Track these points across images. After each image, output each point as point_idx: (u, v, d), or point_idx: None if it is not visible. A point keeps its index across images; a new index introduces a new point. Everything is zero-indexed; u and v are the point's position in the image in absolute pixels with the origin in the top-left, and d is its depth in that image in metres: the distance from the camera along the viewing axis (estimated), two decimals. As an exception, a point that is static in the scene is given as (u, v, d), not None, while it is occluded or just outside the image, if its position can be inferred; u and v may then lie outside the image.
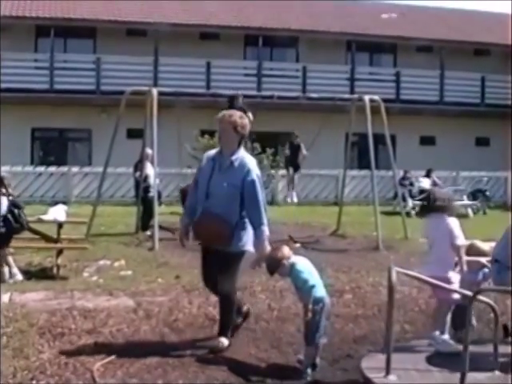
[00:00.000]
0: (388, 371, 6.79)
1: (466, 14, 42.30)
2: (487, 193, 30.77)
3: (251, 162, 8.39)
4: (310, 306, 7.31)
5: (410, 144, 35.98)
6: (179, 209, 21.04)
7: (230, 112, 8.85)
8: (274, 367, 7.72)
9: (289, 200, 28.77)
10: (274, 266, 7.95)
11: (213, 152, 8.67)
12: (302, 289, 7.67)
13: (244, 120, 8.50)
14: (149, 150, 19.13)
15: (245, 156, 8.46)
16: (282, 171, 29.91)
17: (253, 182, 8.19)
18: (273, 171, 28.07)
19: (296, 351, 8.26)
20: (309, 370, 7.31)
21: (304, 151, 28.24)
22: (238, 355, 8.04)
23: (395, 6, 41.95)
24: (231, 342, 8.17)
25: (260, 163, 26.52)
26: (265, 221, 8.36)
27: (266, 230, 8.37)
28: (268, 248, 8.33)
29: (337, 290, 11.71)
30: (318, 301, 7.38)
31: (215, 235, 8.18)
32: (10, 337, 8.29)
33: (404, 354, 7.56)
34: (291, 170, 29.72)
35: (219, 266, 8.28)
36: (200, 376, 7.26)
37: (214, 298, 10.67)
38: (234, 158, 8.27)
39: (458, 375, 6.41)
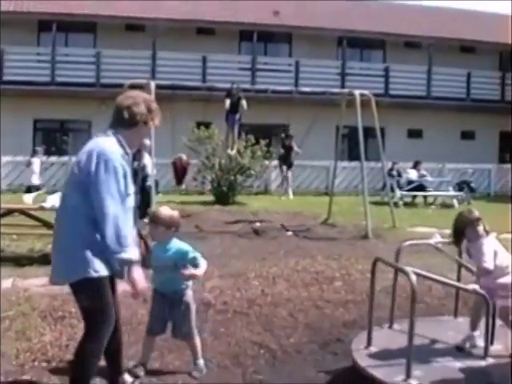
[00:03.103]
0: (369, 343, 6.80)
1: (454, 12, 42.28)
2: (472, 184, 30.83)
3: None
4: None
5: (398, 137, 36.07)
6: (176, 198, 21.19)
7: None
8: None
9: (283, 198, 28.71)
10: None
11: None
12: None
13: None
14: (147, 141, 19.07)
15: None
16: (275, 162, 29.92)
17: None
18: (266, 162, 28.07)
19: (288, 335, 8.30)
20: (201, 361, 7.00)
21: (296, 149, 28.25)
22: (233, 338, 8.07)
23: (385, 3, 41.91)
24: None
25: (254, 154, 26.59)
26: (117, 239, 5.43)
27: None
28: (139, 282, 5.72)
29: (327, 276, 11.75)
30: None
31: None
32: (13, 320, 8.30)
33: (389, 330, 7.57)
34: (284, 168, 29.75)
35: None
36: (195, 358, 7.28)
37: (208, 284, 10.74)
38: None
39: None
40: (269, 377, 6.90)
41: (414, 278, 5.95)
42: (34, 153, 28.54)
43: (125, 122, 5.89)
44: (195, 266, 6.70)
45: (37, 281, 10.54)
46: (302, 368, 7.20)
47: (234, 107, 20.84)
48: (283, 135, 29.97)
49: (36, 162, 28.00)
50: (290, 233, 18.25)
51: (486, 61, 38.63)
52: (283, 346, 7.88)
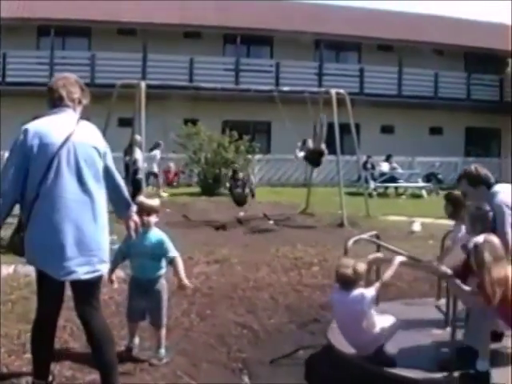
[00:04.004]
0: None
1: (424, 16, 42.27)
2: (439, 176, 31.01)
3: None
4: None
5: (372, 132, 36.09)
6: (165, 189, 21.19)
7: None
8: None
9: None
10: None
11: None
12: None
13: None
14: (138, 137, 19.13)
15: None
16: (258, 156, 29.90)
17: None
18: (249, 156, 28.08)
19: (269, 316, 8.34)
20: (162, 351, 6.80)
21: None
22: (218, 319, 8.10)
23: (360, 8, 41.87)
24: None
25: (238, 149, 26.63)
26: None
27: None
28: None
29: (305, 262, 11.79)
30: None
31: None
32: (15, 303, 8.29)
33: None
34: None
35: None
36: (183, 338, 7.31)
37: (195, 270, 10.77)
38: None
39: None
40: (251, 354, 6.95)
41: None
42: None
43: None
44: (167, 258, 6.63)
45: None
46: (283, 346, 7.25)
47: None
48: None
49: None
50: (271, 221, 18.31)
51: (452, 62, 38.77)
52: (265, 326, 7.94)
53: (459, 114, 36.93)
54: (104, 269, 5.43)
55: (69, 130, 5.17)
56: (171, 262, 6.62)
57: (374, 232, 8.45)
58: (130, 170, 19.78)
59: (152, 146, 25.91)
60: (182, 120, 29.09)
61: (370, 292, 5.96)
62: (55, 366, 6.06)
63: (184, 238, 14.75)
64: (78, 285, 5.35)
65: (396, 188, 29.79)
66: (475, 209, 6.47)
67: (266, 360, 6.80)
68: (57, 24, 32.79)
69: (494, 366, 5.73)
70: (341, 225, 17.46)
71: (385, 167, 30.18)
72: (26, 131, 5.11)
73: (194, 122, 28.15)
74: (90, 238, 5.19)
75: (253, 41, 37.15)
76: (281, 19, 36.18)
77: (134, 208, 5.73)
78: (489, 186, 6.66)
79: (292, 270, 11.12)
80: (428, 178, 30.78)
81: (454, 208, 7.70)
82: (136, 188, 18.64)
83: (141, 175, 18.73)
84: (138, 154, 19.32)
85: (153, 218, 6.67)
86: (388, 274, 6.23)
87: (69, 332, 7.16)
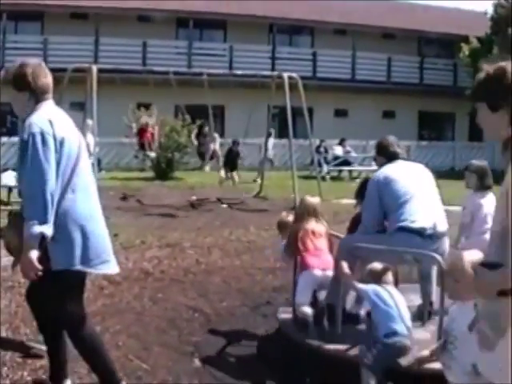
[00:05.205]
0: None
1: (377, 1, 42.34)
2: (393, 159, 31.21)
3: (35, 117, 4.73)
4: None
5: (325, 116, 36.27)
6: (118, 174, 21.13)
7: None
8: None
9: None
10: None
11: None
12: None
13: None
14: (89, 121, 19.00)
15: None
16: (222, 174, 29.78)
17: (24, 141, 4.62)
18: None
19: (221, 299, 8.36)
20: None
21: (242, 154, 27.76)
22: (169, 303, 8.10)
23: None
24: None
25: (190, 133, 26.58)
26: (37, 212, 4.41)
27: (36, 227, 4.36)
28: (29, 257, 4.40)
29: (258, 245, 11.85)
30: None
31: None
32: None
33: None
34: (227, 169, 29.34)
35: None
36: (134, 322, 7.29)
37: (148, 255, 10.76)
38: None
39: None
40: (203, 338, 6.95)
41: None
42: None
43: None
44: None
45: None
46: (235, 329, 7.27)
47: None
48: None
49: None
50: (224, 205, 18.33)
51: (406, 47, 39.00)
52: (216, 310, 7.95)
53: (412, 98, 37.22)
54: None
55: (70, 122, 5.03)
56: None
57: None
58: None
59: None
60: (134, 104, 28.95)
61: None
62: (6, 352, 6.04)
63: (137, 223, 14.78)
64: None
65: (350, 171, 29.97)
66: None
67: (217, 343, 6.80)
68: (9, 8, 32.34)
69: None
70: (294, 208, 17.44)
71: (338, 151, 30.34)
72: (50, 123, 4.65)
73: (147, 106, 28.02)
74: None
75: (206, 24, 37.02)
76: (234, 3, 36.08)
77: None
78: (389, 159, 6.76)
79: (245, 254, 11.18)
80: (381, 161, 31.00)
81: (480, 178, 7.61)
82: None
83: (92, 160, 18.58)
84: (90, 139, 19.16)
85: None
86: None
87: (20, 318, 7.12)
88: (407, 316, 5.50)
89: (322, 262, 6.45)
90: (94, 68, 17.80)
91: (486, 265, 3.07)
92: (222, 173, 24.96)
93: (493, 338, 3.13)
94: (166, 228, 13.83)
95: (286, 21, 36.67)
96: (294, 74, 19.73)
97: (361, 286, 5.74)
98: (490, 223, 6.67)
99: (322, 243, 6.62)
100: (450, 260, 3.42)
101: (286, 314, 6.87)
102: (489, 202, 7.20)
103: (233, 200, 19.26)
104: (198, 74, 24.26)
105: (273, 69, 32.99)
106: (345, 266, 5.88)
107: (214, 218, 15.96)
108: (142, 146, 22.76)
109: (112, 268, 5.04)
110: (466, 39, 35.34)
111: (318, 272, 6.43)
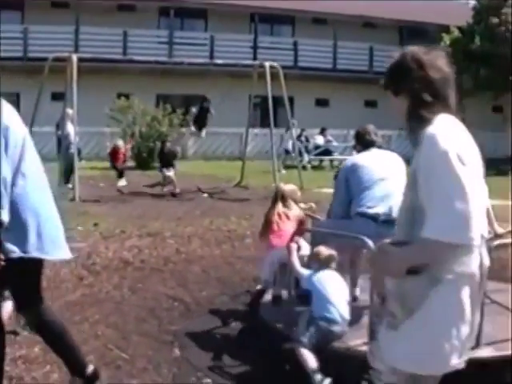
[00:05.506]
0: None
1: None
2: (374, 149, 31.28)
3: None
4: None
5: (306, 105, 36.26)
6: (98, 164, 21.07)
7: None
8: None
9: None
10: None
11: None
12: None
13: None
14: (69, 110, 18.90)
15: None
16: (192, 129, 29.73)
17: None
18: (183, 129, 27.97)
19: (201, 288, 8.35)
20: None
21: (212, 111, 27.76)
22: (149, 293, 8.08)
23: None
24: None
25: (171, 122, 26.52)
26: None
27: None
28: None
29: (239, 234, 11.85)
30: None
31: None
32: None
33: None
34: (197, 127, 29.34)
35: None
36: (114, 312, 7.27)
37: (128, 244, 10.73)
38: None
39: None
40: (183, 327, 6.95)
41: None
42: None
43: None
44: None
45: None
46: (214, 318, 7.26)
47: None
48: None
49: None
50: (205, 195, 18.33)
51: (387, 36, 39.01)
52: (196, 299, 7.94)
53: (393, 88, 37.29)
54: None
55: None
56: None
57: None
58: (63, 145, 19.55)
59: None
60: (115, 94, 28.85)
61: None
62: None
63: (117, 212, 14.74)
64: None
65: (331, 161, 29.99)
66: None
67: (197, 332, 6.80)
68: (-12, -2, 32.19)
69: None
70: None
71: (319, 140, 30.37)
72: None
73: (128, 96, 27.93)
74: None
75: (187, 14, 36.91)
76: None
77: None
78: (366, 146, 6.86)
79: (225, 243, 11.17)
80: (363, 150, 31.04)
81: None
82: (68, 162, 18.44)
83: (73, 149, 18.50)
84: (70, 128, 19.08)
85: None
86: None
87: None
88: (344, 303, 5.62)
89: (283, 242, 6.69)
90: (74, 57, 17.76)
91: (394, 244, 3.14)
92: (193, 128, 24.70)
93: (400, 317, 3.19)
94: (147, 217, 13.80)
95: (267, 10, 36.59)
96: (275, 64, 19.73)
97: (300, 269, 5.96)
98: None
99: (288, 225, 7.01)
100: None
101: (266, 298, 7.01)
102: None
103: (214, 189, 19.25)
104: (178, 64, 24.26)
105: (254, 58, 32.95)
106: (293, 249, 6.17)
107: (195, 207, 15.93)
108: (114, 167, 22.56)
109: (66, 253, 4.99)
110: (446, 29, 35.43)
111: (279, 251, 6.76)
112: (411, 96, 3.40)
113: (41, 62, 20.05)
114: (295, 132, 25.22)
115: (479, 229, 2.99)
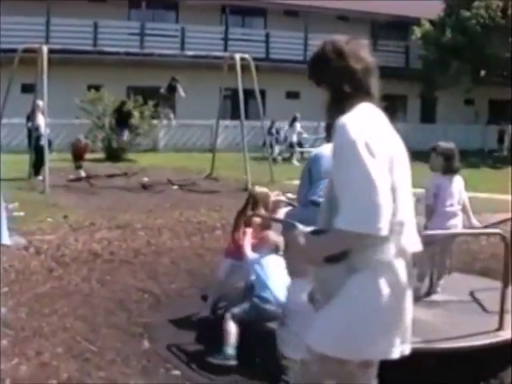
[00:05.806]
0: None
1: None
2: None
3: None
4: None
5: (277, 98, 36.29)
6: (69, 156, 20.96)
7: None
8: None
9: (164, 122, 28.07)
10: None
11: None
12: None
13: None
14: (40, 102, 18.81)
15: None
16: (164, 121, 29.67)
17: None
18: (154, 121, 27.93)
19: (170, 281, 8.37)
20: None
21: (182, 93, 27.50)
22: (118, 285, 8.09)
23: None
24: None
25: (142, 114, 26.45)
26: None
27: None
28: None
29: (209, 226, 11.89)
30: None
31: None
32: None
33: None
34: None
35: None
36: (82, 305, 7.27)
37: (97, 236, 10.72)
38: None
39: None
40: (152, 319, 6.96)
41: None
42: None
43: None
44: None
45: None
46: (184, 310, 7.28)
47: None
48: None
49: None
50: (175, 187, 18.32)
51: (358, 28, 39.03)
52: (166, 291, 7.97)
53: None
54: None
55: None
56: None
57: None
58: (33, 136, 19.47)
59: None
60: (85, 85, 28.70)
61: None
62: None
63: (87, 204, 14.70)
64: None
65: (301, 153, 30.03)
66: None
67: (166, 324, 6.82)
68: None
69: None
70: (245, 189, 17.50)
71: (289, 132, 30.43)
72: None
73: (98, 88, 27.80)
74: None
75: (158, 5, 36.79)
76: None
77: None
78: None
79: (195, 235, 11.20)
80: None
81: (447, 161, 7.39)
82: (39, 154, 18.37)
83: (43, 141, 18.42)
84: (41, 120, 18.99)
85: None
86: None
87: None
88: (282, 287, 5.68)
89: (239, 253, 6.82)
90: (45, 48, 17.68)
91: (314, 232, 3.17)
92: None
93: (322, 302, 3.23)
94: (117, 209, 13.77)
95: (238, 1, 36.54)
96: (246, 56, 19.74)
97: (249, 254, 6.26)
98: (455, 205, 7.19)
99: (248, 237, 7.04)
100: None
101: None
102: (456, 185, 7.21)
103: (184, 181, 19.24)
104: (149, 55, 24.19)
105: (225, 50, 32.93)
106: (247, 240, 6.42)
107: (165, 199, 15.93)
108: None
109: (5, 239, 5.04)
110: (417, 22, 35.61)
111: (229, 261, 7.14)
112: (331, 87, 3.40)
113: (11, 53, 19.94)
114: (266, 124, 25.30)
115: (388, 218, 2.96)
